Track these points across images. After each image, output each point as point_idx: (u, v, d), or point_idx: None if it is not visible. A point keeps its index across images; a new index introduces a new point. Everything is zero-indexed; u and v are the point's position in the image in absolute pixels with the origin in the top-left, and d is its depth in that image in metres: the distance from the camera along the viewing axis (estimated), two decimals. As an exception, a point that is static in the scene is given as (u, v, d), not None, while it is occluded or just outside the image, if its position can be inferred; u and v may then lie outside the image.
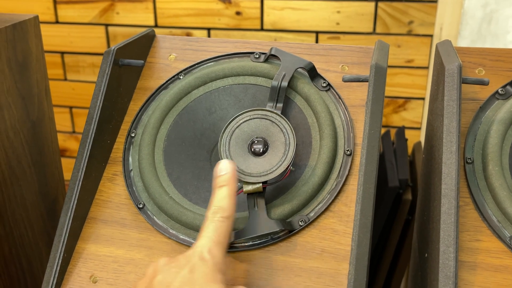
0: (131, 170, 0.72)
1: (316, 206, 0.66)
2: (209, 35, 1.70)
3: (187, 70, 0.80)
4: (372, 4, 1.61)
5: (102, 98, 0.71)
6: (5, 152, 0.85)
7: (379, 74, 0.65)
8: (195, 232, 0.66)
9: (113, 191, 0.71)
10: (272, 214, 0.65)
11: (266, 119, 0.67)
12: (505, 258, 0.60)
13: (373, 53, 0.70)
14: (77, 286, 0.65)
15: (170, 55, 0.82)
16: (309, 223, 0.65)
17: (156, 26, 1.74)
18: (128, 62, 0.74)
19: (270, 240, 0.64)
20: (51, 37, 1.80)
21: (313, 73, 0.75)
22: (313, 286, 0.61)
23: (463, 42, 1.62)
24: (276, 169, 0.64)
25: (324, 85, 0.74)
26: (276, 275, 0.62)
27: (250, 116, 0.67)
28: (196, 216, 0.66)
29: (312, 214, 0.65)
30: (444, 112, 0.63)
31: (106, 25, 1.74)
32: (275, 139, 0.66)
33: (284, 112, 0.73)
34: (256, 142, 0.67)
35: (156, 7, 1.68)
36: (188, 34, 1.68)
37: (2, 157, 0.84)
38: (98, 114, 0.70)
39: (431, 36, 1.63)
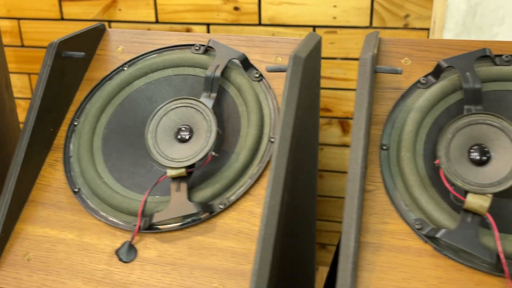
0: (71, 156, 0.76)
1: (238, 190, 0.69)
2: (208, 31, 1.74)
3: (131, 62, 0.83)
4: (369, -2, 1.63)
5: (43, 88, 0.75)
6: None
7: (296, 64, 0.68)
8: (123, 214, 0.70)
9: (53, 176, 0.75)
10: (194, 197, 0.68)
11: (191, 107, 0.70)
12: (408, 240, 0.63)
13: (299, 44, 0.73)
14: (12, 264, 0.69)
15: (118, 47, 0.86)
16: (229, 206, 0.68)
17: (157, 22, 1.78)
18: (70, 54, 0.78)
19: (192, 222, 0.68)
20: (57, 34, 1.85)
21: (246, 64, 0.78)
22: (227, 264, 0.64)
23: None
24: (197, 155, 0.68)
25: (257, 75, 0.77)
26: (194, 254, 0.66)
27: (177, 104, 0.71)
28: (125, 199, 0.70)
29: (232, 198, 0.69)
30: (355, 100, 0.65)
31: (109, 21, 1.78)
32: (199, 127, 0.70)
33: (218, 102, 0.77)
34: (183, 129, 0.70)
35: (156, 4, 1.71)
36: (188, 30, 1.71)
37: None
38: (39, 104, 0.74)
39: (427, 29, 1.63)
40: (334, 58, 1.28)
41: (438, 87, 0.71)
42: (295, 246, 0.79)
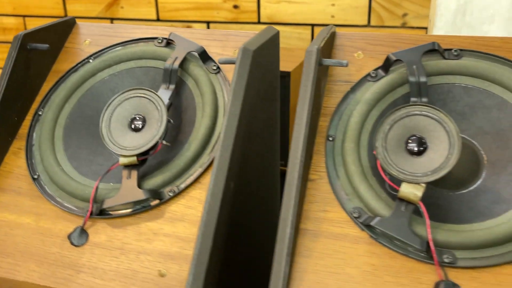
0: (34, 145, 0.79)
1: (187, 178, 0.71)
2: (208, 28, 1.76)
3: (96, 54, 0.86)
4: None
5: (7, 79, 0.78)
6: None
7: (245, 56, 0.70)
8: (78, 200, 0.72)
9: (15, 163, 0.78)
10: (145, 185, 0.71)
11: (145, 97, 0.72)
12: (346, 228, 0.64)
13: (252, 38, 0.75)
14: (-29, 247, 0.72)
15: (86, 40, 0.89)
16: (179, 194, 0.70)
17: (158, 19, 1.81)
18: (35, 46, 0.81)
19: (142, 208, 0.70)
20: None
21: (204, 56, 0.80)
22: (172, 249, 0.67)
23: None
24: (148, 144, 0.70)
25: (214, 68, 0.79)
26: (141, 239, 0.68)
27: (131, 95, 0.73)
28: (80, 186, 0.73)
29: (182, 186, 0.71)
30: (300, 92, 0.67)
31: (111, 19, 1.81)
32: (151, 117, 0.72)
33: (178, 93, 0.79)
34: (137, 119, 0.72)
35: (157, 2, 1.74)
36: (188, 27, 1.73)
37: None
38: (2, 94, 0.77)
39: (425, 28, 1.64)
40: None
41: (386, 80, 0.72)
42: (252, 239, 0.81)
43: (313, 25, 1.72)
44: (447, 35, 0.76)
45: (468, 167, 0.68)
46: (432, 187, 0.68)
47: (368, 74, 0.74)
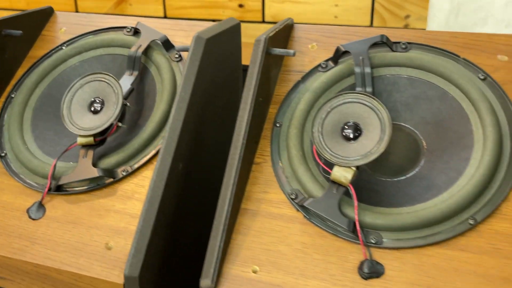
0: (4, 125, 0.83)
1: (141, 159, 0.75)
2: None
3: (69, 42, 0.90)
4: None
5: (-20, 62, 0.82)
6: None
7: (198, 43, 0.73)
8: (39, 177, 0.77)
9: (-14, 142, 0.83)
10: (100, 164, 0.74)
11: (104, 81, 0.76)
12: (283, 208, 0.67)
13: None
14: None
15: (61, 29, 0.93)
16: (132, 173, 0.74)
17: (165, 17, 1.86)
18: (9, 32, 0.86)
19: (96, 186, 0.74)
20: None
21: (167, 45, 0.83)
22: (120, 224, 0.70)
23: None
24: (103, 125, 0.74)
25: (177, 56, 0.83)
26: (93, 215, 0.72)
27: (91, 79, 0.77)
28: (41, 163, 0.77)
29: (135, 166, 0.74)
30: (246, 79, 0.70)
31: (120, 16, 1.87)
32: (109, 99, 0.76)
33: (141, 79, 0.83)
34: (97, 101, 0.76)
35: (165, 0, 1.79)
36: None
37: None
38: (-25, 76, 0.82)
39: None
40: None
41: (335, 71, 0.75)
42: (205, 220, 0.84)
43: (316, 25, 1.75)
44: (398, 29, 0.79)
45: (408, 155, 0.71)
46: (372, 173, 0.70)
47: (319, 65, 0.77)
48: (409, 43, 0.76)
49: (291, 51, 0.73)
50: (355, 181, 0.65)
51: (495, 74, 0.71)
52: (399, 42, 0.76)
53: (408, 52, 0.75)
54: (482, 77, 0.71)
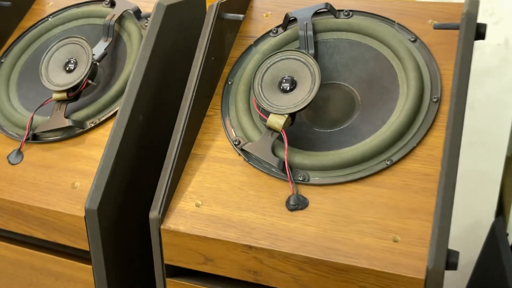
0: (-7, 86, 0.94)
1: (108, 113, 0.84)
2: None
3: (55, 14, 1.00)
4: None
5: (-28, 29, 0.92)
6: None
7: (158, 10, 0.82)
8: (19, 129, 0.86)
9: (-23, 100, 0.93)
10: (71, 116, 0.84)
11: (77, 44, 0.86)
12: (228, 153, 0.76)
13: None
14: None
15: (49, 3, 1.03)
16: (99, 125, 0.83)
17: None
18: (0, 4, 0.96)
19: (67, 135, 0.83)
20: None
21: (138, 14, 0.92)
22: (87, 168, 0.79)
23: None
24: (75, 81, 0.83)
25: (147, 24, 0.91)
26: (63, 160, 0.81)
27: (67, 42, 0.86)
28: (21, 117, 0.87)
29: (103, 118, 0.84)
30: (199, 40, 0.79)
31: None
32: (81, 60, 0.85)
33: (116, 45, 0.92)
34: (71, 62, 0.86)
35: None
36: None
37: None
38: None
39: None
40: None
41: (283, 35, 0.83)
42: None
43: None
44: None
45: (344, 110, 0.79)
46: (311, 126, 0.78)
47: (270, 31, 0.85)
48: (351, 10, 0.83)
49: (241, 15, 0.81)
50: (293, 131, 0.73)
51: (424, 37, 0.78)
52: (342, 10, 0.83)
53: (349, 18, 0.82)
54: (412, 39, 0.78)
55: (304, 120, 0.79)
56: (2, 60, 0.96)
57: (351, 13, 0.83)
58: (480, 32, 0.75)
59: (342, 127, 0.77)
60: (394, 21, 0.81)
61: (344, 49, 0.81)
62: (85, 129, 0.83)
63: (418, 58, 0.76)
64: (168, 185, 0.72)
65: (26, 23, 1.01)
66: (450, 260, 0.61)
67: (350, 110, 0.78)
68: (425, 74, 0.75)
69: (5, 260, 0.85)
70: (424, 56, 0.76)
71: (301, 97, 0.72)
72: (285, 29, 0.84)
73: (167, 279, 0.74)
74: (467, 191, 1.31)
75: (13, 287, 0.86)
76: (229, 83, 0.82)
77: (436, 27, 0.75)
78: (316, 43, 0.82)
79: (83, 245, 0.77)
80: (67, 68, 0.86)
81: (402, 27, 0.80)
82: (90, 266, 0.78)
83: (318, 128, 0.78)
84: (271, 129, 0.73)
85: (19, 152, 0.84)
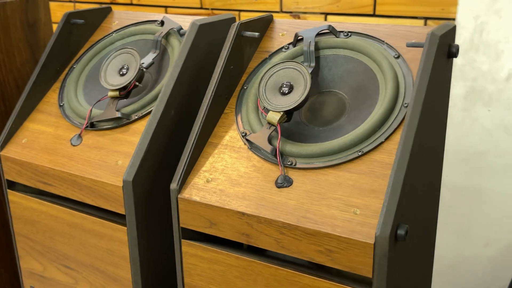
0: (65, 85, 1.18)
1: (150, 109, 1.05)
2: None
3: (118, 30, 1.24)
4: None
5: (52, 44, 1.17)
6: (16, 82, 1.36)
7: (192, 28, 1.03)
8: (81, 119, 1.09)
9: (52, 96, 1.17)
10: (121, 110, 1.06)
11: (129, 54, 1.08)
12: (236, 142, 0.94)
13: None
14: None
15: (115, 22, 1.27)
16: (142, 117, 1.04)
17: (201, 7, 2.17)
18: (75, 21, 1.20)
19: (117, 125, 1.05)
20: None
21: (180, 32, 1.14)
22: (128, 149, 1.00)
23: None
24: (126, 83, 1.05)
25: None
26: (112, 144, 1.03)
27: (121, 52, 1.09)
28: (83, 110, 1.10)
29: (145, 112, 1.05)
30: (221, 52, 0.99)
31: (166, 7, 2.21)
32: (131, 66, 1.07)
33: (162, 57, 1.14)
34: (124, 67, 1.08)
35: None
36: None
37: (12, 84, 1.35)
38: (48, 53, 1.17)
39: None
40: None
41: (291, 50, 1.01)
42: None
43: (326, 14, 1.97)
44: (346, 22, 1.04)
45: (336, 113, 0.95)
46: (308, 124, 0.95)
47: (283, 47, 1.04)
48: (350, 31, 1.00)
49: (256, 33, 1.00)
50: (290, 128, 0.90)
51: (407, 54, 0.94)
52: (342, 31, 1.00)
53: (347, 38, 0.99)
54: (396, 56, 0.94)
55: (302, 120, 0.96)
56: (74, 66, 1.21)
57: (349, 33, 1.00)
58: (451, 52, 0.90)
59: (331, 126, 0.93)
60: (383, 41, 0.97)
61: (341, 63, 0.98)
62: (130, 120, 1.04)
63: (398, 71, 0.91)
64: (186, 164, 0.91)
65: (95, 37, 1.26)
66: (398, 232, 0.76)
67: (340, 113, 0.95)
68: (402, 84, 0.90)
69: (64, 222, 1.07)
70: (404, 69, 0.92)
71: (294, 99, 0.89)
72: (294, 45, 1.02)
73: (182, 240, 0.93)
74: (506, 214, 1.40)
75: (69, 243, 1.08)
76: (245, 88, 1.01)
77: (408, 45, 0.90)
78: (318, 58, 0.99)
79: (121, 210, 0.98)
80: (121, 72, 1.08)
81: (389, 46, 0.96)
82: (125, 228, 0.98)
83: (312, 126, 0.95)
84: (269, 123, 0.90)
85: (79, 136, 1.06)
